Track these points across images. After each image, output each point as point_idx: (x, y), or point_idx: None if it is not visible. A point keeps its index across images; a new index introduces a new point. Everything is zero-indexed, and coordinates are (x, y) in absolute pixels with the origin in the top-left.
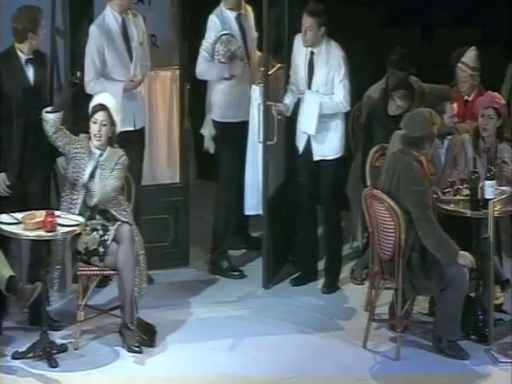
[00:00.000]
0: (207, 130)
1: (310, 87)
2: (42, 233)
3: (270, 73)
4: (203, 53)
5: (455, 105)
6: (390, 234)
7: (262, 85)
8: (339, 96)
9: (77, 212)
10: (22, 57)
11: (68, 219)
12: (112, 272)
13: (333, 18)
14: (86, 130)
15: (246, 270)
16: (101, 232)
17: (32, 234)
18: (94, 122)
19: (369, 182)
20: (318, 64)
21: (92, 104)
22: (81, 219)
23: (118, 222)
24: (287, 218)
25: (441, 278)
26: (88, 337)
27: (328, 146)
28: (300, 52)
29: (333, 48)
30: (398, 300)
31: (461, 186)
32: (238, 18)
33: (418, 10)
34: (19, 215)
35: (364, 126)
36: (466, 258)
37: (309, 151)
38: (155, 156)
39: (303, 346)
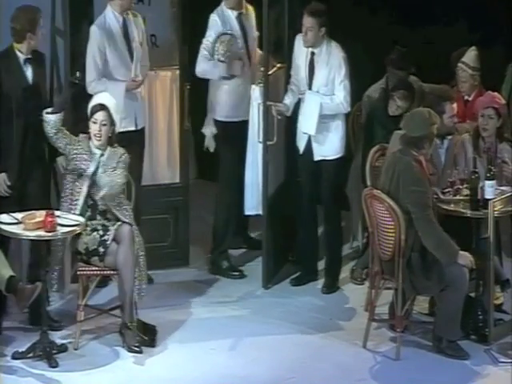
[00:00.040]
0: (209, 130)
1: (310, 88)
2: (42, 233)
3: (269, 73)
4: (203, 51)
5: (455, 105)
6: (390, 234)
7: (261, 85)
8: (339, 97)
9: (77, 212)
10: (21, 57)
11: (68, 219)
12: (112, 272)
13: (333, 18)
14: (86, 131)
15: (246, 270)
16: (101, 232)
17: (32, 234)
18: (94, 122)
19: (369, 182)
20: (319, 64)
21: (91, 104)
22: (81, 219)
23: (119, 223)
24: (287, 217)
25: (441, 278)
26: (88, 337)
27: (328, 147)
28: (301, 52)
29: (333, 48)
30: (398, 300)
31: (461, 186)
32: (239, 18)
33: (418, 10)
34: (19, 215)
35: (364, 126)
36: (465, 258)
37: (309, 151)
38: (155, 156)
39: (303, 346)
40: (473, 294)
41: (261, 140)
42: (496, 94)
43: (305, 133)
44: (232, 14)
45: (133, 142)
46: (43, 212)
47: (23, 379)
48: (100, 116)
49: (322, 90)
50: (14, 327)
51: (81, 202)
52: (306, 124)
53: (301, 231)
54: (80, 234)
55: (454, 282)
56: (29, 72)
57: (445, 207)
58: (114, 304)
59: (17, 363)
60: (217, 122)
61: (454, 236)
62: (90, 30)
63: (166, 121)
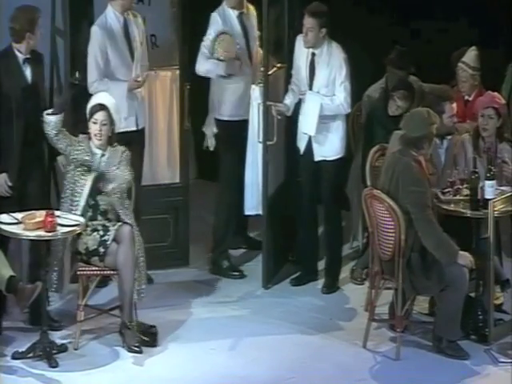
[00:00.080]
0: (209, 129)
1: (311, 88)
2: (42, 233)
3: (269, 73)
4: (203, 49)
5: (454, 104)
6: (390, 234)
7: (261, 85)
8: (340, 98)
9: (79, 213)
10: (20, 56)
11: (68, 219)
12: (112, 272)
13: (333, 18)
14: (85, 131)
15: (246, 270)
16: (101, 232)
17: (32, 234)
18: (94, 123)
19: (369, 182)
20: (320, 65)
21: (90, 104)
22: (81, 219)
23: (119, 223)
24: (287, 217)
25: (441, 278)
26: (88, 337)
27: (329, 147)
28: (301, 53)
29: (334, 49)
30: (398, 300)
31: (461, 186)
32: (240, 17)
33: (418, 10)
34: (19, 215)
35: (364, 125)
36: (465, 258)
37: (310, 152)
38: (155, 156)
39: (303, 346)
40: (473, 294)
41: (261, 140)
42: (496, 93)
43: (305, 133)
44: (233, 13)
45: (133, 142)
46: (43, 212)
47: (23, 379)
48: (100, 116)
49: (323, 91)
50: (14, 327)
51: (82, 202)
52: (306, 124)
53: (301, 231)
54: (80, 234)
55: (454, 282)
56: (28, 72)
57: (445, 207)
58: (114, 304)
59: (17, 363)
60: (218, 121)
61: (453, 236)
62: (90, 30)
63: (166, 121)
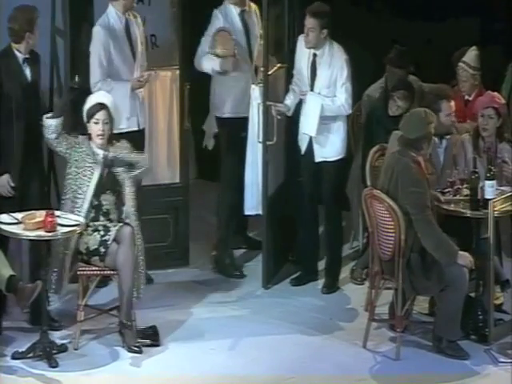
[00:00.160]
0: (209, 127)
1: (312, 89)
2: (42, 233)
3: (269, 73)
4: (202, 45)
5: (452, 103)
6: (390, 234)
7: (261, 85)
8: (341, 99)
9: (82, 215)
10: (20, 56)
11: (68, 219)
12: (112, 272)
13: (333, 18)
14: (83, 133)
15: (246, 270)
16: (102, 232)
17: (32, 234)
18: (96, 123)
19: (369, 182)
20: (321, 66)
21: (88, 105)
22: (81, 219)
23: (120, 223)
24: (287, 217)
25: (440, 278)
26: (88, 337)
27: (330, 148)
28: (303, 53)
29: (336, 51)
30: (398, 300)
31: (461, 186)
32: (242, 14)
33: (419, 9)
34: (19, 215)
35: (364, 125)
36: (465, 258)
37: (310, 152)
38: (155, 156)
39: (303, 346)
40: (473, 294)
41: (261, 140)
42: (496, 93)
43: (305, 134)
44: (235, 11)
45: (134, 142)
46: (43, 212)
47: (23, 379)
48: (101, 115)
49: (324, 92)
50: (14, 327)
51: (86, 205)
52: (307, 125)
53: (301, 231)
54: (81, 234)
55: (454, 282)
56: (28, 71)
57: (445, 207)
58: (114, 304)
59: (17, 363)
60: (218, 120)
61: (453, 236)
62: (92, 31)
63: (166, 121)
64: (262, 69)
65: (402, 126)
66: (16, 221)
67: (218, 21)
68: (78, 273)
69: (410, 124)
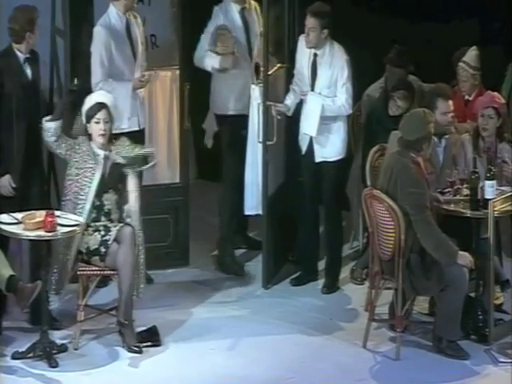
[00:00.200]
0: (210, 126)
1: (312, 89)
2: (42, 233)
3: (269, 73)
4: (202, 42)
5: (450, 102)
6: (390, 234)
7: (261, 85)
8: (341, 99)
9: (84, 216)
10: (21, 56)
11: (68, 219)
12: (112, 272)
13: (334, 17)
14: (83, 133)
15: (246, 270)
16: (102, 232)
17: (32, 234)
18: (97, 122)
19: (369, 182)
20: (322, 66)
21: (88, 105)
22: (81, 219)
23: (121, 224)
24: (287, 217)
25: (440, 278)
26: (88, 337)
27: (330, 148)
28: (303, 53)
29: (336, 51)
30: (398, 300)
31: (461, 186)
32: (242, 12)
33: (419, 9)
34: (19, 215)
35: (364, 125)
36: (465, 258)
37: (311, 152)
38: (155, 156)
39: (303, 346)
40: (473, 294)
41: (261, 140)
42: (496, 93)
43: (306, 134)
44: (235, 8)
45: (135, 142)
46: (43, 212)
47: (23, 379)
48: (102, 115)
49: (325, 92)
50: (14, 327)
51: (88, 205)
52: (308, 125)
53: (302, 231)
54: (83, 234)
55: (454, 282)
56: (28, 71)
57: (445, 207)
58: (114, 304)
59: (17, 363)
60: (218, 117)
61: (453, 236)
62: (93, 31)
63: (166, 121)
64: (262, 68)
65: (401, 128)
66: (16, 221)
67: (218, 18)
68: (78, 273)
69: (409, 125)
